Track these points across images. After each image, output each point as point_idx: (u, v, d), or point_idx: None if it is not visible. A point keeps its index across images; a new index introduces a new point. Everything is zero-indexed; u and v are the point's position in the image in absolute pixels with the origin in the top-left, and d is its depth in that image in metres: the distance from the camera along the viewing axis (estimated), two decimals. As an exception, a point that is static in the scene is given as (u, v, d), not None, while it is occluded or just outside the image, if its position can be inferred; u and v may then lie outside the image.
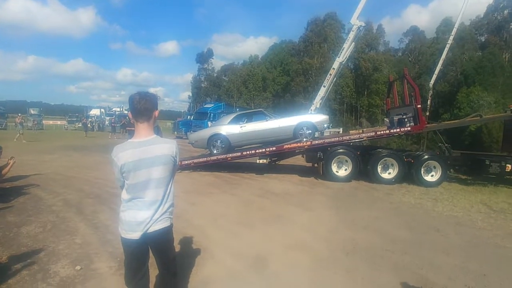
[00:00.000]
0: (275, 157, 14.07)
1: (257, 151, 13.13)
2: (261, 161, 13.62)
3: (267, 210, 8.32)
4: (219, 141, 13.38)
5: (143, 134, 2.97)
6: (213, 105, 38.82)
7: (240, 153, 13.23)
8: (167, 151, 3.00)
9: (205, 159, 13.33)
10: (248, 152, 13.25)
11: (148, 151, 2.93)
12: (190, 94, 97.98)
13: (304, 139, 12.84)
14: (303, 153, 13.85)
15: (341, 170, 12.73)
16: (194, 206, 8.44)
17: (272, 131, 13.07)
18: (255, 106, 71.08)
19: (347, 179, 12.46)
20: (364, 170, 12.52)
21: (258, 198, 9.51)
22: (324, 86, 18.95)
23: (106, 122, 56.46)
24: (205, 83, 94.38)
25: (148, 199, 2.94)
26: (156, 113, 3.02)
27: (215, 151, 13.36)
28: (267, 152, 13.15)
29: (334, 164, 12.69)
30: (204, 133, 13.98)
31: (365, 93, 72.41)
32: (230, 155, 13.18)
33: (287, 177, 13.29)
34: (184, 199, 8.91)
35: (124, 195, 2.99)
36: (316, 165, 13.68)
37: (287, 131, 13.11)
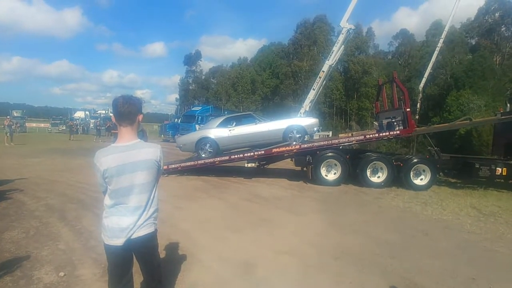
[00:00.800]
0: (263, 161, 13.99)
1: (246, 154, 13.09)
2: (249, 165, 13.36)
3: (256, 214, 8.27)
4: (207, 145, 13.28)
5: (127, 138, 2.95)
6: (201, 108, 38.38)
7: (228, 157, 13.11)
8: (150, 155, 2.97)
9: (192, 162, 13.27)
10: (236, 156, 13.15)
11: (131, 156, 2.90)
12: (178, 97, 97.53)
13: (294, 143, 12.86)
14: (292, 157, 13.82)
15: (330, 174, 12.71)
16: (180, 210, 8.37)
17: (261, 135, 13.04)
18: (244, 109, 71.18)
19: (337, 183, 12.47)
20: (354, 174, 12.52)
21: (246, 202, 9.47)
22: (314, 89, 19.02)
23: (91, 125, 55.85)
24: (193, 85, 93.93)
25: (132, 204, 2.91)
26: (140, 117, 2.99)
27: (203, 155, 13.27)
28: (256, 156, 13.07)
29: (323, 168, 12.67)
30: (192, 137, 13.91)
31: (355, 96, 72.83)
32: (218, 158, 13.11)
33: (276, 181, 13.23)
34: (170, 203, 8.83)
35: (107, 200, 2.97)
36: (305, 169, 13.72)
37: (276, 135, 13.08)
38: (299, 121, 13.61)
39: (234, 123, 13.57)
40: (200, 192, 10.65)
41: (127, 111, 2.89)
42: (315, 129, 13.53)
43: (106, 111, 62.56)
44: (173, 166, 13.37)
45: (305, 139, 13.25)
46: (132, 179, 2.89)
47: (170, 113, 56.94)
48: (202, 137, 13.43)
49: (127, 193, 2.89)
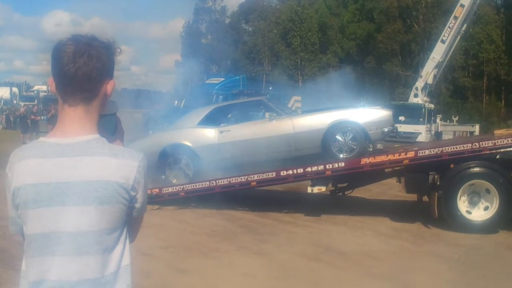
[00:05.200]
0: (343, 182, 11.38)
1: (307, 169, 10.38)
2: (316, 189, 10.63)
3: (329, 287, 7.13)
4: (182, 160, 11.09)
5: (72, 130, 1.96)
6: (223, 79, 29.58)
7: (273, 174, 10.55)
8: (111, 174, 1.92)
9: (207, 184, 10.81)
10: (288, 173, 10.45)
11: (71, 168, 1.92)
12: (180, 59, 64.93)
13: (340, 155, 10.65)
14: (400, 175, 11.08)
15: (476, 208, 10.09)
16: (184, 275, 7.27)
17: (279, 140, 10.88)
18: (305, 81, 55.21)
19: (490, 226, 9.86)
20: None
21: (309, 262, 8.08)
22: (444, 41, 13.32)
23: (21, 112, 38.83)
24: (209, 36, 66.33)
25: (55, 278, 1.86)
26: (109, 86, 1.96)
27: (174, 180, 11.05)
28: (328, 173, 10.43)
29: (464, 197, 10.05)
30: (152, 143, 11.66)
31: None
32: (256, 177, 10.60)
33: (367, 221, 10.64)
34: (167, 262, 7.75)
35: (24, 264, 1.96)
36: (426, 198, 10.90)
37: (310, 140, 10.86)
38: (354, 114, 11.00)
39: (230, 118, 12.19)
40: (222, 240, 9.18)
41: (81, 72, 1.90)
42: (386, 129, 11.00)
43: (49, 88, 53.07)
44: (170, 190, 10.91)
45: (368, 148, 10.88)
46: (58, 221, 1.90)
47: (165, 91, 41.86)
48: (169, 145, 11.14)
49: (50, 251, 1.90)
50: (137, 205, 2.00)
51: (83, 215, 1.90)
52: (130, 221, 2.05)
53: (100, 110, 2.02)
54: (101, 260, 1.92)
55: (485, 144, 10.05)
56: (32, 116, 26.25)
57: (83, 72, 1.88)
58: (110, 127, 2.28)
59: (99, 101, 1.97)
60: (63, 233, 1.90)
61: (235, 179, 10.55)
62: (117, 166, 1.95)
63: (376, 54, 56.52)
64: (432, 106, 27.66)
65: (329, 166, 10.25)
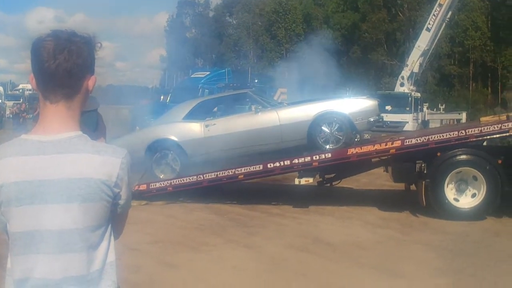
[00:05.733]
0: (330, 173, 11.40)
1: (294, 161, 10.48)
2: (303, 180, 10.73)
3: (316, 279, 7.06)
4: (169, 155, 11.13)
5: (54, 127, 1.97)
6: (208, 73, 29.28)
7: (260, 166, 10.62)
8: (94, 171, 1.92)
9: (194, 179, 10.81)
10: (275, 165, 10.53)
11: (54, 166, 1.91)
12: (165, 53, 65.25)
13: (327, 146, 10.69)
14: (387, 165, 11.07)
15: (464, 196, 10.20)
16: (173, 269, 7.21)
17: (265, 133, 10.90)
18: (290, 72, 56.58)
19: (478, 213, 9.98)
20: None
21: (298, 254, 8.15)
22: (429, 29, 13.34)
23: (8, 111, 37.92)
24: (193, 30, 66.14)
25: (40, 276, 1.86)
26: (90, 81, 1.98)
27: (161, 175, 11.02)
28: (315, 164, 10.51)
29: (451, 185, 10.15)
30: (138, 139, 11.61)
31: None
32: (243, 170, 10.67)
33: (355, 211, 10.71)
34: (155, 257, 7.68)
35: (10, 262, 1.96)
36: (413, 187, 11.06)
37: (295, 132, 10.90)
38: (340, 105, 11.11)
39: (216, 111, 12.12)
40: (211, 234, 9.19)
41: (62, 69, 1.89)
42: (372, 119, 11.08)
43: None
44: (158, 185, 10.97)
45: (355, 138, 10.87)
46: (41, 219, 1.90)
47: (151, 86, 42.46)
48: (156, 140, 11.17)
49: (34, 249, 1.91)
50: (121, 202, 2.00)
51: (67, 213, 1.89)
52: (115, 218, 2.04)
53: (82, 107, 2.02)
54: (86, 258, 1.91)
55: (471, 131, 10.14)
56: (22, 114, 26.60)
57: (63, 68, 1.88)
58: (91, 123, 2.25)
59: (80, 97, 1.96)
60: (46, 231, 1.90)
61: (222, 173, 10.56)
62: (100, 163, 1.95)
63: (362, 44, 56.63)
64: (418, 94, 27.75)
65: (316, 157, 10.30)
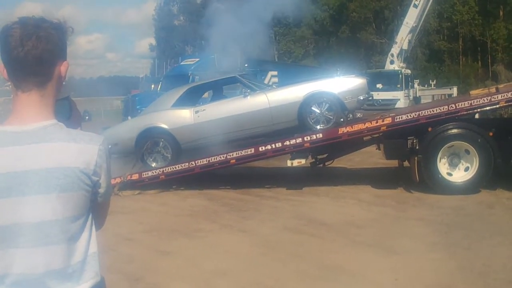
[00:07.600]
0: (323, 153, 11.35)
1: (286, 143, 10.42)
2: (296, 162, 10.70)
3: (312, 259, 6.92)
4: (160, 143, 11.03)
5: (28, 117, 1.91)
6: (198, 59, 28.06)
7: (252, 150, 10.60)
8: (70, 159, 1.87)
9: (186, 165, 10.89)
10: (266, 148, 10.52)
11: (30, 157, 1.85)
12: (154, 42, 67.67)
13: (318, 127, 10.61)
14: (379, 142, 11.06)
15: (457, 170, 10.19)
16: (167, 257, 7.18)
17: (255, 116, 10.82)
18: (281, 57, 54.77)
19: (471, 187, 9.95)
20: (505, 166, 9.99)
21: (293, 235, 8.13)
22: (416, 6, 13.28)
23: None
24: (181, 17, 66.00)
25: (19, 271, 1.80)
26: (63, 67, 1.92)
27: (153, 164, 10.93)
28: (307, 145, 10.43)
29: (443, 160, 10.14)
30: (128, 128, 11.57)
31: (500, 14, 52.50)
32: (235, 155, 10.60)
33: (349, 191, 10.71)
34: (148, 244, 7.69)
35: None
36: (406, 163, 10.99)
37: (286, 114, 10.83)
38: (328, 85, 10.95)
39: (206, 97, 12.54)
40: (205, 220, 9.13)
41: (31, 56, 1.84)
42: (362, 97, 10.89)
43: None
44: (150, 174, 10.93)
45: (347, 117, 10.89)
46: (19, 212, 1.83)
47: (141, 76, 42.75)
48: (147, 128, 11.02)
49: (13, 244, 1.84)
50: (101, 190, 1.97)
51: (45, 204, 1.86)
52: (95, 207, 2.01)
53: (56, 94, 1.97)
54: (66, 249, 1.89)
55: (462, 105, 10.15)
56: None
57: (32, 55, 1.84)
58: (64, 111, 2.19)
59: (54, 84, 1.93)
60: (25, 224, 1.86)
61: (214, 158, 10.53)
62: (77, 151, 1.91)
63: (350, 23, 55.91)
64: (409, 71, 27.69)
65: (307, 138, 10.25)
